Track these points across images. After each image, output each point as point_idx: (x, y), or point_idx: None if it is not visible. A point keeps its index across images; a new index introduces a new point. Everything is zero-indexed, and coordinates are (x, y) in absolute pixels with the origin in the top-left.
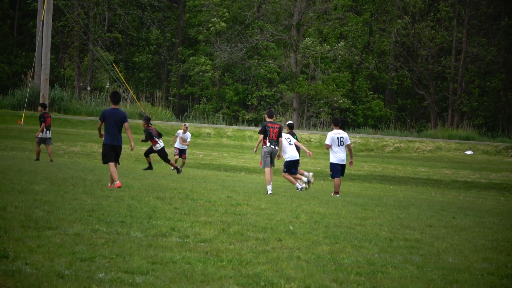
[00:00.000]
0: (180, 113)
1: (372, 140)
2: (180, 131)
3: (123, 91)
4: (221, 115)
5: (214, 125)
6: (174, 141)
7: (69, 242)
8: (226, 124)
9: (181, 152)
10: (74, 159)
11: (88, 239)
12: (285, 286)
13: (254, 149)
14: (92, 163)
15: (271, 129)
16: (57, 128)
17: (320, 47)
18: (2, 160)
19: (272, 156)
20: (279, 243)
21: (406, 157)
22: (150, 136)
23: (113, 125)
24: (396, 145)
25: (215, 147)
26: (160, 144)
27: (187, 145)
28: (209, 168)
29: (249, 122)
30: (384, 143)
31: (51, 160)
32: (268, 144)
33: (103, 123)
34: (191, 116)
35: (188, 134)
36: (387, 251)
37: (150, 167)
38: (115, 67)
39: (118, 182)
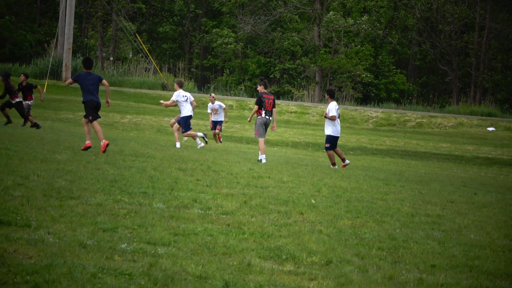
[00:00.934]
0: (202, 84)
1: (394, 115)
2: (209, 104)
3: (147, 62)
4: (243, 88)
5: (237, 97)
6: (211, 117)
7: (91, 212)
8: (248, 97)
9: (216, 124)
10: None
11: (110, 210)
12: (307, 260)
13: (248, 119)
14: (114, 133)
15: (266, 100)
16: (79, 98)
17: (343, 21)
18: (24, 129)
19: (266, 126)
20: (301, 217)
21: (428, 132)
22: (10, 90)
23: (89, 85)
24: (418, 120)
25: (237, 119)
26: (19, 98)
27: (225, 112)
28: (231, 140)
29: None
30: (406, 118)
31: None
32: (263, 114)
33: (79, 85)
34: (212, 87)
35: (218, 103)
36: (408, 226)
37: (9, 121)
38: (138, 37)
39: (89, 142)
